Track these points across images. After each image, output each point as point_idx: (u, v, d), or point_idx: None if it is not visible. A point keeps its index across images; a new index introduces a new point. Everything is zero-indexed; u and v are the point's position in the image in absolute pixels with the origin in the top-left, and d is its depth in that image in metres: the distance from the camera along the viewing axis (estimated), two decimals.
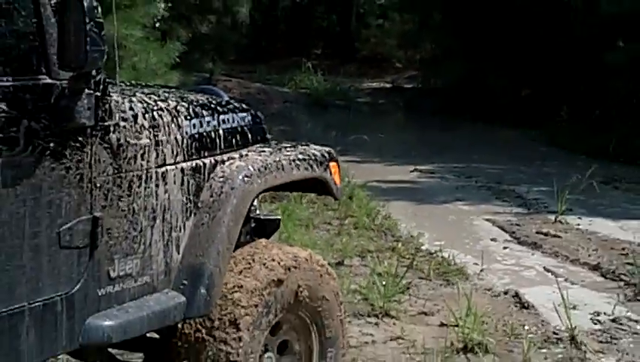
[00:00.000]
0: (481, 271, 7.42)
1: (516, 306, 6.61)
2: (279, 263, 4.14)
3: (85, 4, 3.19)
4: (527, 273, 7.54)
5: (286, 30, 31.83)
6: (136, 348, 4.25)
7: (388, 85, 24.67)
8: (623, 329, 6.12)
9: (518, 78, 18.05)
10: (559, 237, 8.68)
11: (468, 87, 18.66)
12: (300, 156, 4.52)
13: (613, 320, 6.29)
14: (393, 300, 6.38)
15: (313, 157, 4.59)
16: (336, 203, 8.31)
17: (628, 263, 7.61)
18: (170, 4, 11.88)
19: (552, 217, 9.43)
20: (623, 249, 8.19)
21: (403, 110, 19.92)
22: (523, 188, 11.22)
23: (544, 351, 5.67)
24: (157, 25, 11.47)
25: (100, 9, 3.27)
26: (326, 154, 4.69)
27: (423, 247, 8.06)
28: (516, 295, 6.81)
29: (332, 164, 4.71)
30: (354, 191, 9.78)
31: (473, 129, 16.70)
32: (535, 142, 15.24)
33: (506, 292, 6.92)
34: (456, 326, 5.81)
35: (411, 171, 12.52)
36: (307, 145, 4.73)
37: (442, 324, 6.06)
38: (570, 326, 5.85)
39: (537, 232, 8.84)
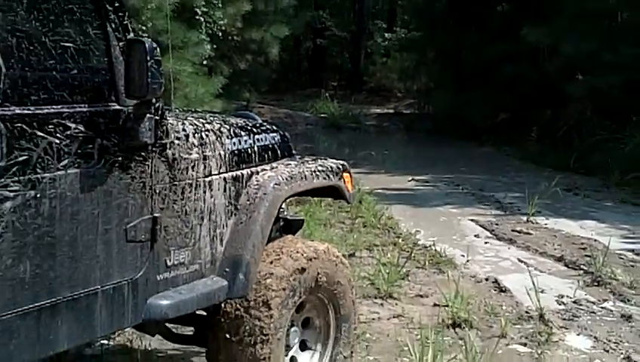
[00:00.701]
0: (467, 261, 7.34)
1: (495, 290, 6.54)
2: (302, 255, 4.12)
3: (147, 45, 3.20)
4: (504, 263, 7.46)
5: (308, 67, 31.86)
6: (187, 322, 4.25)
7: (390, 111, 24.50)
8: (582, 309, 6.06)
9: (496, 105, 17.91)
10: (530, 234, 8.60)
11: (455, 113, 18.54)
12: (320, 168, 4.50)
13: (575, 302, 6.22)
14: (395, 285, 6.34)
15: (330, 169, 4.57)
16: (349, 206, 8.23)
17: (586, 255, 7.54)
18: (215, 46, 11.88)
19: (524, 218, 9.34)
20: (582, 244, 8.11)
21: (403, 131, 19.76)
22: (500, 195, 11.10)
23: (518, 326, 5.64)
24: (204, 62, 11.46)
25: (158, 50, 3.27)
26: (340, 166, 4.66)
27: (420, 242, 7.97)
28: (495, 281, 6.75)
29: (345, 174, 4.69)
30: (363, 196, 9.68)
31: (459, 146, 16.56)
32: (510, 157, 15.10)
33: (487, 279, 6.84)
34: (447, 306, 5.78)
35: (409, 180, 12.38)
36: (325, 159, 4.69)
37: (435, 304, 6.01)
38: (539, 307, 5.81)
39: (512, 230, 8.75)
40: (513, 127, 16.69)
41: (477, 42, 17.77)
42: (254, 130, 4.27)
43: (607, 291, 6.52)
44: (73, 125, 3.05)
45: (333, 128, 19.84)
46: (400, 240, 8.06)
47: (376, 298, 6.18)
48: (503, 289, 6.54)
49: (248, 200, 4.02)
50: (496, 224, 9.12)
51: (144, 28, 9.32)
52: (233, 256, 3.90)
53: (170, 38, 9.00)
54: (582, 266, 7.23)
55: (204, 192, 3.79)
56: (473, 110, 17.92)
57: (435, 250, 7.64)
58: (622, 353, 5.17)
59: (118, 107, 3.25)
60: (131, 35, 3.31)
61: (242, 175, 4.05)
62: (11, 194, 2.84)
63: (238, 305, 3.92)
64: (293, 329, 4.20)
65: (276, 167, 4.25)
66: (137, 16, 9.20)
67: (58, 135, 2.99)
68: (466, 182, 12.18)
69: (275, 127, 4.51)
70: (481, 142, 16.77)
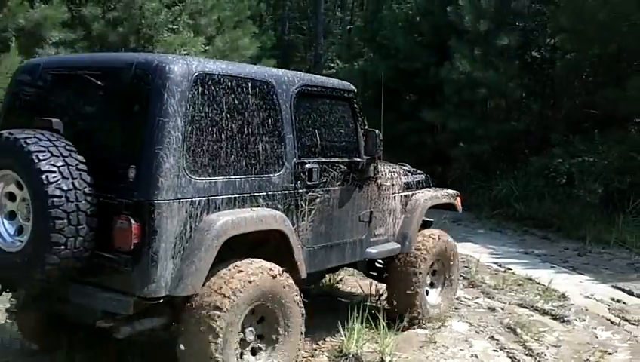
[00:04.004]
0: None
1: None
2: (435, 236, 4.83)
3: (375, 133, 4.06)
4: None
5: None
6: (374, 269, 4.88)
7: None
8: (461, 304, 5.80)
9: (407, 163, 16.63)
10: None
11: None
12: (445, 193, 5.08)
13: (457, 299, 5.79)
14: (334, 286, 6.00)
15: (451, 194, 5.14)
16: None
17: (465, 266, 7.08)
18: None
19: None
20: (462, 259, 7.29)
21: None
22: None
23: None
24: None
25: (381, 135, 4.14)
26: (455, 192, 5.19)
27: None
28: None
29: (458, 197, 5.20)
30: None
31: None
32: None
33: None
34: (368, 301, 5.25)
35: None
36: (448, 189, 5.19)
37: (360, 301, 5.13)
38: None
39: None
40: None
41: (392, 120, 15.43)
42: (413, 172, 4.91)
43: (479, 291, 6.31)
44: (342, 166, 3.94)
45: None
46: None
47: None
48: None
49: (411, 206, 4.72)
50: None
51: None
52: (404, 232, 4.61)
53: None
54: (462, 274, 6.69)
55: (392, 201, 4.51)
56: None
57: None
58: (488, 333, 5.03)
59: (359, 160, 4.11)
60: (366, 126, 4.19)
61: (408, 194, 4.73)
62: (319, 196, 3.73)
63: (405, 257, 4.65)
64: (428, 276, 4.86)
65: (423, 192, 4.90)
66: None
67: (336, 171, 3.88)
68: None
69: (422, 172, 5.07)
70: None
